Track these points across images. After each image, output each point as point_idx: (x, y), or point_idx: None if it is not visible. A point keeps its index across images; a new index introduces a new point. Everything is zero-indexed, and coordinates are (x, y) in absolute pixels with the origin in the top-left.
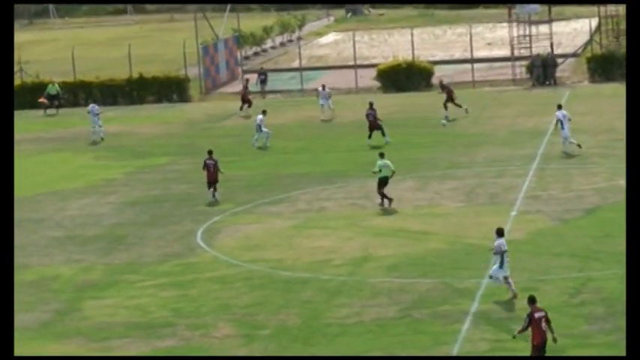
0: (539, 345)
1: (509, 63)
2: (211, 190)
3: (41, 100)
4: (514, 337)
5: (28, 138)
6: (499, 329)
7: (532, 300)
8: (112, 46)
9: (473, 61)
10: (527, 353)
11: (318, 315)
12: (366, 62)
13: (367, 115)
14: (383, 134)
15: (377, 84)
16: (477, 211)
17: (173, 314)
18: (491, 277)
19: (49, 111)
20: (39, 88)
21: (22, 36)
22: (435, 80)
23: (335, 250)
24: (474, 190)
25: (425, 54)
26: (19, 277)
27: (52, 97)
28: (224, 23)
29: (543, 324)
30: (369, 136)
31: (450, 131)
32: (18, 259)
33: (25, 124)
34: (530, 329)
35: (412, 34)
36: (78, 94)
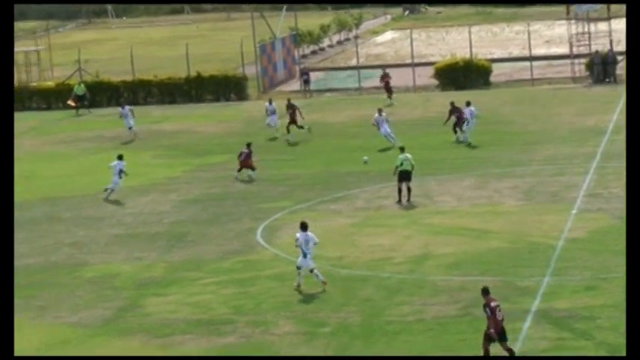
0: (498, 332)
1: (568, 61)
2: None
3: (70, 102)
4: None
5: (88, 136)
6: (560, 327)
7: (485, 291)
8: (170, 46)
9: (531, 58)
10: (589, 351)
11: (378, 313)
12: (423, 60)
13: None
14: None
15: (434, 82)
16: (538, 210)
17: (234, 311)
18: (299, 266)
19: (81, 111)
20: (99, 86)
21: (81, 35)
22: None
23: (395, 248)
24: (534, 189)
25: (483, 52)
26: (81, 274)
27: (79, 98)
28: (281, 22)
29: (498, 312)
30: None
31: (509, 130)
32: (80, 257)
33: (85, 122)
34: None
35: (470, 32)
36: (137, 92)
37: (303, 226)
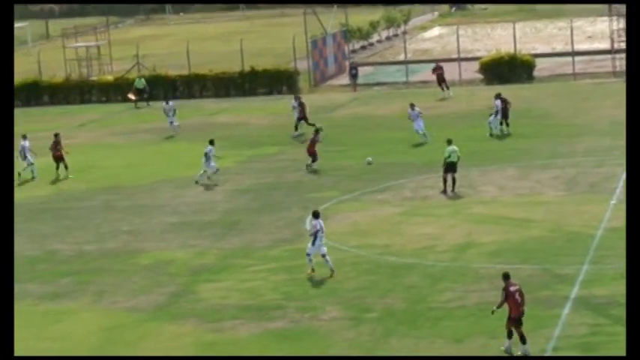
0: (517, 317)
1: (609, 56)
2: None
3: (130, 95)
4: (493, 313)
5: (144, 128)
6: (599, 314)
7: (506, 276)
8: (225, 41)
9: (573, 54)
10: (624, 337)
11: (422, 299)
12: (469, 55)
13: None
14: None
15: (480, 76)
16: (578, 200)
17: (283, 297)
18: (308, 254)
19: (140, 104)
20: (156, 80)
21: (139, 31)
22: None
23: (439, 237)
24: (574, 179)
25: (527, 47)
26: (137, 260)
27: (139, 91)
28: (332, 18)
29: (517, 297)
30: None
31: (551, 122)
32: (136, 244)
33: (142, 114)
34: (506, 303)
35: (514, 28)
36: (193, 86)
37: (316, 215)
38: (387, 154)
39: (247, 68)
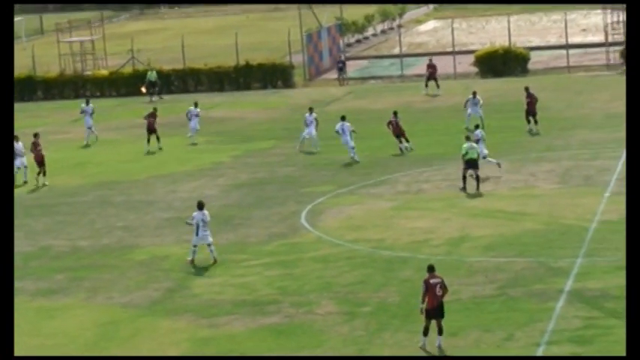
0: (432, 309)
1: (604, 49)
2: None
3: (143, 88)
4: (421, 312)
5: (141, 123)
6: (592, 307)
7: (430, 268)
8: (220, 35)
9: (568, 46)
10: (619, 329)
11: (416, 293)
12: (464, 49)
13: (389, 124)
14: (403, 140)
15: (474, 70)
16: (572, 193)
17: (278, 292)
18: (194, 245)
19: (147, 98)
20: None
21: (133, 25)
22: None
23: (433, 231)
24: (568, 172)
25: (521, 40)
26: (132, 256)
27: (152, 84)
28: (327, 12)
29: (438, 289)
30: (400, 141)
31: (546, 115)
32: (130, 240)
33: (136, 109)
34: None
35: (509, 21)
36: (187, 80)
37: (200, 206)
38: (383, 148)
39: (242, 62)
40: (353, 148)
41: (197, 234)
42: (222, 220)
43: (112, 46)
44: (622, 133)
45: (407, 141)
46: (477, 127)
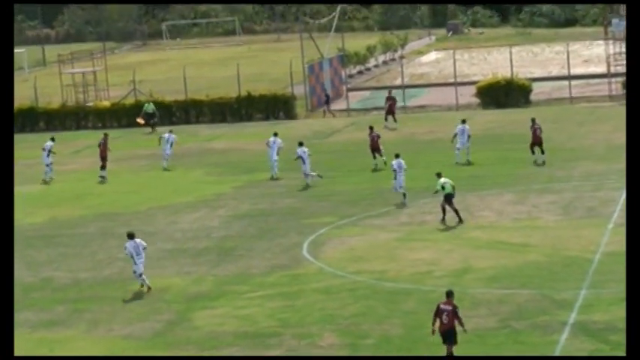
0: (441, 332)
1: (606, 80)
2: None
3: (139, 119)
4: (433, 333)
5: (142, 154)
6: (597, 340)
7: (448, 294)
8: (222, 66)
9: (570, 77)
10: None
11: (420, 325)
12: (466, 80)
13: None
14: (380, 155)
15: (476, 101)
16: (575, 224)
17: (280, 324)
18: (136, 273)
19: (147, 129)
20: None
21: (136, 56)
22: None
23: (436, 262)
24: (571, 204)
25: (523, 71)
26: (133, 288)
27: (149, 116)
28: (329, 43)
29: (444, 317)
30: (374, 157)
31: (548, 146)
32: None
33: (140, 140)
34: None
35: (511, 52)
36: (189, 111)
37: (131, 235)
38: (385, 179)
39: (244, 93)
40: (276, 161)
41: (135, 262)
42: (223, 252)
43: (114, 77)
44: (624, 164)
45: (380, 156)
46: (397, 155)
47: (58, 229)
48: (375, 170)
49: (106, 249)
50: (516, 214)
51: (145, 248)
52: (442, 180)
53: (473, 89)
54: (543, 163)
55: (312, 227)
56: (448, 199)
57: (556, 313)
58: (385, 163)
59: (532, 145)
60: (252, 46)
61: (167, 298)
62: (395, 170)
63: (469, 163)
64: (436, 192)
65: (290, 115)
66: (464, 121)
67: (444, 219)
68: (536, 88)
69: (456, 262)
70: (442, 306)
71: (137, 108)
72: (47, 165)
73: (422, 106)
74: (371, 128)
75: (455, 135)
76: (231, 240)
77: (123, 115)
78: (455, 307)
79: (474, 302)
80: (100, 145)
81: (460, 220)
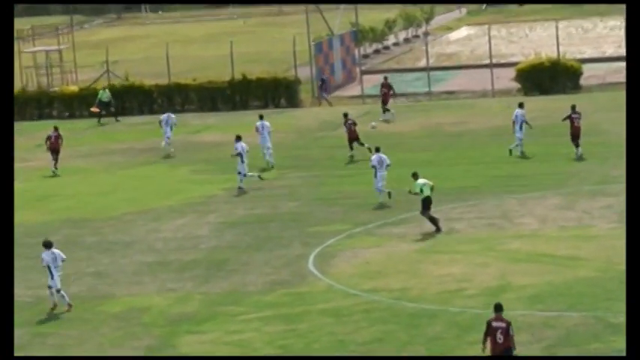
0: (493, 355)
1: None
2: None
3: (93, 109)
4: (483, 351)
5: (118, 148)
6: None
7: (497, 308)
8: (212, 44)
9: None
10: None
11: (448, 353)
12: (503, 61)
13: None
14: (361, 144)
15: (516, 85)
16: None
17: (281, 352)
18: (50, 287)
19: (104, 120)
20: (129, 91)
21: (109, 32)
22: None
23: (467, 279)
24: None
25: (572, 50)
26: (105, 308)
27: (104, 105)
28: (340, 17)
29: (499, 335)
30: (351, 148)
31: (601, 140)
32: (104, 288)
33: (112, 132)
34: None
35: (557, 28)
36: (173, 97)
37: (47, 245)
38: (406, 180)
39: (238, 76)
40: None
41: (52, 277)
42: (213, 266)
43: (83, 57)
44: None
45: (362, 145)
46: (377, 149)
47: (17, 238)
48: (350, 163)
49: (73, 261)
50: (563, 221)
51: (63, 260)
52: (420, 181)
53: (512, 72)
54: (580, 158)
55: (320, 236)
56: (425, 204)
57: (611, 340)
58: (370, 150)
59: (573, 138)
60: (248, 20)
61: (146, 321)
62: (374, 166)
63: (523, 156)
64: (415, 193)
65: (293, 102)
66: (520, 105)
67: (438, 228)
68: (587, 70)
69: (490, 278)
70: (494, 323)
71: (112, 94)
72: None
73: (450, 92)
74: (345, 116)
75: (513, 123)
76: (223, 252)
77: (94, 102)
78: (509, 324)
79: (515, 327)
80: (48, 139)
81: (438, 229)
